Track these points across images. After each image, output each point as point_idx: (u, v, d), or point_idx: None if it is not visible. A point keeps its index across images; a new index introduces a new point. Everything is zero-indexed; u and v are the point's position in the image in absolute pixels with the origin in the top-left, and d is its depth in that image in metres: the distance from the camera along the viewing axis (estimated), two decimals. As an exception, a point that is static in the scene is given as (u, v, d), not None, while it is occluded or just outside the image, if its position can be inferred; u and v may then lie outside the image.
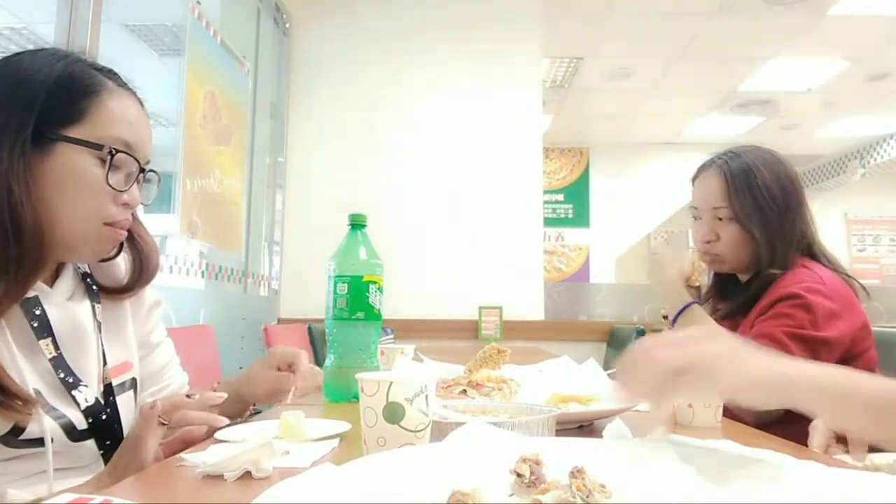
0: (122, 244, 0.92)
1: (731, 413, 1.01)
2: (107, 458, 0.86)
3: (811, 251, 1.35)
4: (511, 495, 0.51)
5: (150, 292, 1.04)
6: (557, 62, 5.07)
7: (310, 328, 2.78)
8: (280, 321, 3.65)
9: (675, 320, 1.34)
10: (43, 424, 0.76)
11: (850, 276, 1.32)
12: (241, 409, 1.04)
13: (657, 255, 1.53)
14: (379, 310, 1.24)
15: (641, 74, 5.31)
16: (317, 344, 2.75)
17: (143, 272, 0.96)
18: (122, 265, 0.97)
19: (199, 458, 0.67)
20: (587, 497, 0.47)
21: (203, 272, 2.83)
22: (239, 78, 3.20)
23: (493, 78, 3.90)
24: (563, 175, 7.35)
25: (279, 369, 1.02)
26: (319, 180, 3.86)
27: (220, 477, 0.62)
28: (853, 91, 5.44)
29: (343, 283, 1.21)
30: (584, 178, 7.35)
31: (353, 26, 3.94)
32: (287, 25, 3.92)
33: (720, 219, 1.36)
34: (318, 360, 2.70)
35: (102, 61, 0.90)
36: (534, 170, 3.89)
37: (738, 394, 0.62)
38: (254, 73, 3.42)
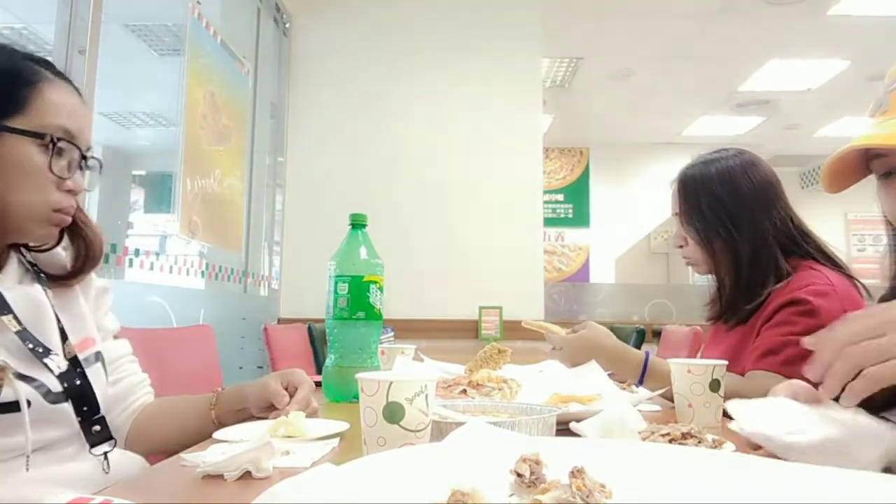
0: (62, 233, 0.93)
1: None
2: (84, 424, 0.87)
3: (806, 252, 1.33)
4: (511, 495, 0.51)
5: (96, 280, 1.04)
6: (557, 62, 5.07)
7: (310, 328, 2.78)
8: (280, 321, 3.65)
9: (641, 381, 1.26)
10: (15, 385, 0.77)
11: (854, 278, 1.30)
12: (243, 416, 1.02)
13: (558, 337, 1.36)
14: (379, 309, 1.24)
15: (641, 74, 5.31)
16: (317, 344, 2.74)
17: (87, 259, 0.96)
18: (62, 254, 0.98)
19: (199, 458, 0.67)
20: (587, 497, 0.47)
21: (203, 272, 2.83)
22: (239, 78, 3.20)
23: (493, 78, 3.90)
24: (563, 175, 7.35)
25: (286, 388, 1.02)
26: (319, 180, 3.86)
27: (220, 477, 0.62)
28: (853, 91, 5.44)
29: (343, 282, 1.21)
30: (584, 178, 7.35)
31: (353, 26, 3.94)
32: (287, 25, 3.92)
33: (684, 223, 1.41)
34: (319, 360, 2.69)
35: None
36: (534, 170, 3.89)
37: None
38: (254, 73, 3.42)
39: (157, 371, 1.30)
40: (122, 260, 2.17)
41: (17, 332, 0.82)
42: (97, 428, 0.88)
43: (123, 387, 1.04)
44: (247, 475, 0.63)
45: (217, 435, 0.84)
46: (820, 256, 1.32)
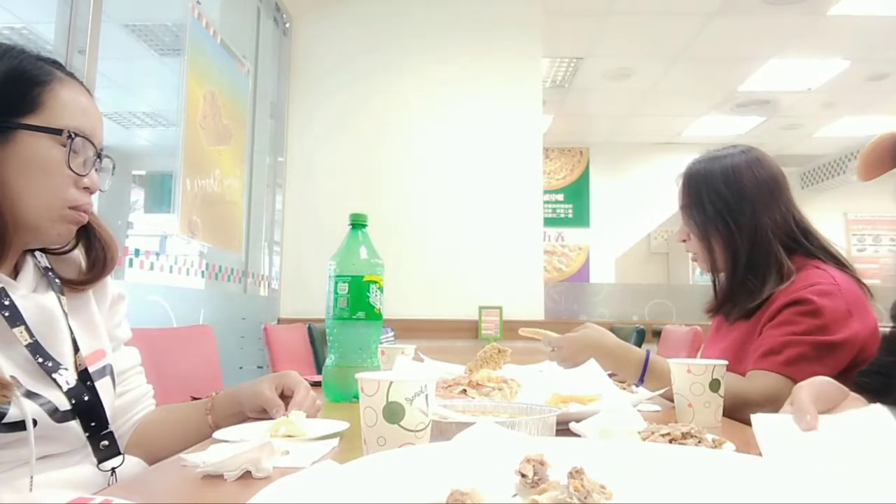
0: (78, 236, 0.92)
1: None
2: (92, 439, 0.86)
3: (809, 250, 1.33)
4: (514, 495, 0.51)
5: (112, 286, 1.03)
6: (557, 62, 5.07)
7: (310, 328, 2.78)
8: (280, 321, 3.65)
9: (641, 380, 1.26)
10: (22, 404, 0.76)
11: (859, 279, 1.30)
12: (240, 419, 1.02)
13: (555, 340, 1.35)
14: (380, 309, 1.24)
15: (641, 74, 5.31)
16: (317, 344, 2.74)
17: (100, 263, 0.96)
18: (79, 256, 0.97)
19: (199, 458, 0.67)
20: (585, 498, 0.47)
21: (203, 272, 2.83)
22: (239, 78, 3.20)
23: (493, 78, 3.90)
24: (563, 175, 7.34)
25: (281, 392, 1.01)
26: (319, 180, 3.86)
27: (220, 477, 0.62)
28: (853, 91, 5.44)
29: (344, 282, 1.21)
30: (584, 178, 7.34)
31: (353, 26, 3.94)
32: (287, 25, 3.92)
33: (685, 218, 1.43)
34: (319, 360, 2.69)
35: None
36: (534, 170, 3.89)
37: None
38: (254, 73, 3.42)
39: (157, 371, 1.30)
40: (122, 260, 2.17)
41: (28, 346, 0.82)
42: (105, 443, 0.88)
43: (128, 399, 1.03)
44: (247, 475, 0.62)
45: (217, 435, 0.84)
46: (824, 255, 1.32)
